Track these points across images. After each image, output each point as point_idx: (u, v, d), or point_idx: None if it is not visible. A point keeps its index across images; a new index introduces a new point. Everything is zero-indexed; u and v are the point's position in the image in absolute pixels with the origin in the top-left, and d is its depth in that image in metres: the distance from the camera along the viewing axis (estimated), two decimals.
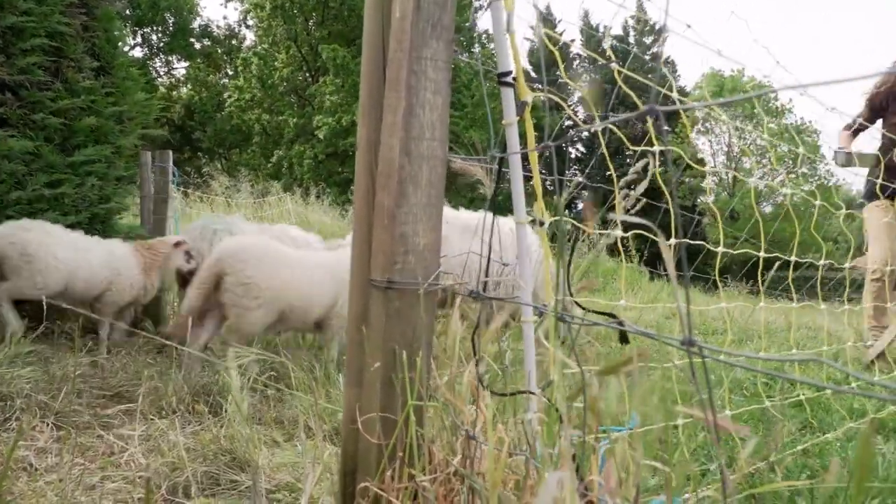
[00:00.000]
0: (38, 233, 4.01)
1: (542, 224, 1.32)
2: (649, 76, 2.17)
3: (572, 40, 38.81)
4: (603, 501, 0.99)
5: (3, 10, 4.31)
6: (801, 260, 2.83)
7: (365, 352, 1.49)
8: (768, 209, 29.83)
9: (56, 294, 4.02)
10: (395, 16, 1.39)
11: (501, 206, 1.57)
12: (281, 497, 2.21)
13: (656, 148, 1.62)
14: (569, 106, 1.95)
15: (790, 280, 2.98)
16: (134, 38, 29.73)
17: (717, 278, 2.57)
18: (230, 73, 32.11)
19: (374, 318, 1.47)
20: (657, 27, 36.81)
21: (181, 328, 3.64)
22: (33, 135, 4.49)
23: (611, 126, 1.34)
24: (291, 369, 3.34)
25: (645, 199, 1.63)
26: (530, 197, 1.41)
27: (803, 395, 3.17)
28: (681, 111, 0.99)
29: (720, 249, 2.23)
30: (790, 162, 26.46)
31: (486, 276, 1.42)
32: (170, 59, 32.19)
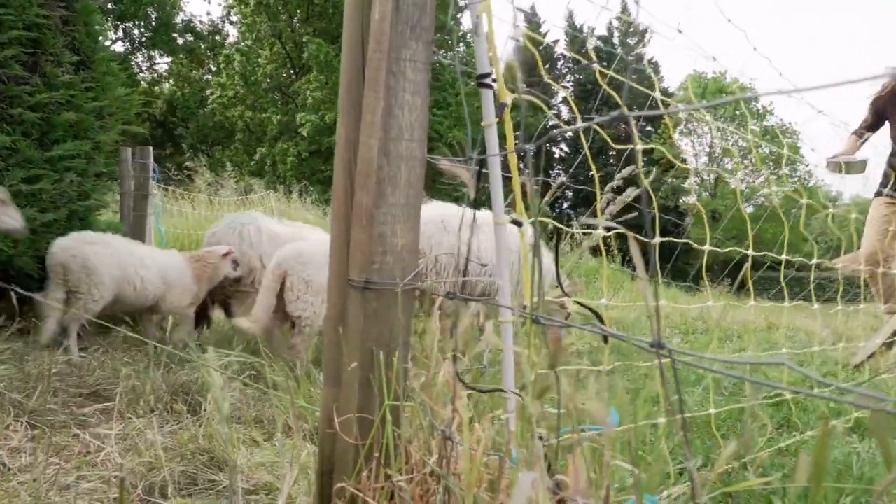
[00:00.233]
0: (99, 245, 4.20)
1: (520, 225, 1.32)
2: (633, 77, 2.18)
3: (556, 41, 38.91)
4: (575, 501, 1.00)
5: None
6: (791, 259, 2.86)
7: (342, 352, 1.49)
8: (750, 209, 30.13)
9: (111, 304, 4.24)
10: (375, 17, 1.39)
11: (485, 206, 1.58)
12: (259, 497, 2.20)
13: (638, 147, 1.62)
14: (551, 107, 1.96)
15: (783, 281, 3.02)
16: (116, 33, 29.39)
17: (704, 275, 2.60)
18: (213, 69, 31.86)
19: (351, 318, 1.46)
20: (641, 28, 37.04)
21: (268, 331, 4.19)
22: (10, 129, 4.42)
23: (595, 126, 1.35)
24: (271, 367, 3.32)
25: (627, 200, 1.64)
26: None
27: (788, 396, 3.20)
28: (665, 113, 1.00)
29: (705, 248, 2.26)
30: (771, 163, 26.74)
31: (465, 275, 1.43)
32: (152, 54, 31.86)
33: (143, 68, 32.14)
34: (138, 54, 31.34)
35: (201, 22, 32.73)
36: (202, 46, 32.37)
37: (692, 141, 36.18)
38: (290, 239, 4.82)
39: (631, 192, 1.62)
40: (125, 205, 6.32)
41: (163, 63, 32.73)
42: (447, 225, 4.33)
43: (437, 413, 1.36)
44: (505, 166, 1.42)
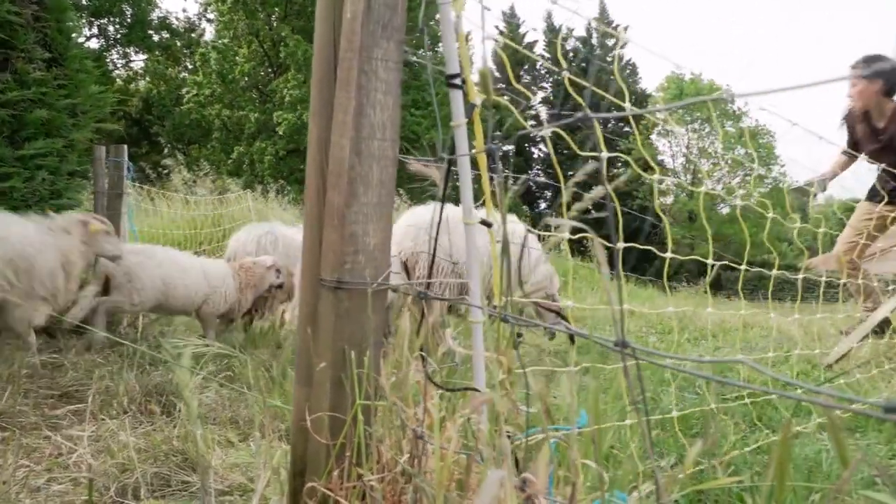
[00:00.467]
0: (142, 255, 4.56)
1: (489, 225, 1.33)
2: (610, 78, 2.20)
3: (535, 41, 39.07)
4: (545, 499, 1.01)
5: None
6: (768, 260, 2.90)
7: (315, 351, 1.49)
8: (725, 210, 30.50)
9: (153, 309, 4.69)
10: (346, 16, 1.39)
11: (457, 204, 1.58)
12: (233, 498, 2.19)
13: (604, 154, 1.64)
14: (529, 107, 1.97)
15: (771, 284, 3.06)
16: (90, 29, 28.87)
17: (665, 279, 2.63)
18: (190, 66, 31.50)
19: (323, 317, 1.46)
20: (619, 29, 37.31)
21: None
22: None
23: (558, 130, 1.36)
24: (248, 366, 3.31)
25: (594, 199, 1.65)
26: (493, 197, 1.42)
27: (747, 398, 3.25)
28: (647, 114, 1.01)
29: (667, 255, 2.28)
30: (748, 165, 27.05)
31: (430, 276, 1.43)
32: (127, 51, 31.39)
33: (119, 65, 31.67)
34: (113, 51, 30.86)
35: (177, 19, 32.34)
36: (178, 44, 31.98)
37: (669, 142, 36.49)
38: None
39: (598, 192, 1.63)
40: (99, 204, 6.22)
41: (138, 60, 32.28)
42: (452, 227, 4.35)
43: (408, 412, 1.37)
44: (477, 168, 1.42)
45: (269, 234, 5.94)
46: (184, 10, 38.02)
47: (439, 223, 1.50)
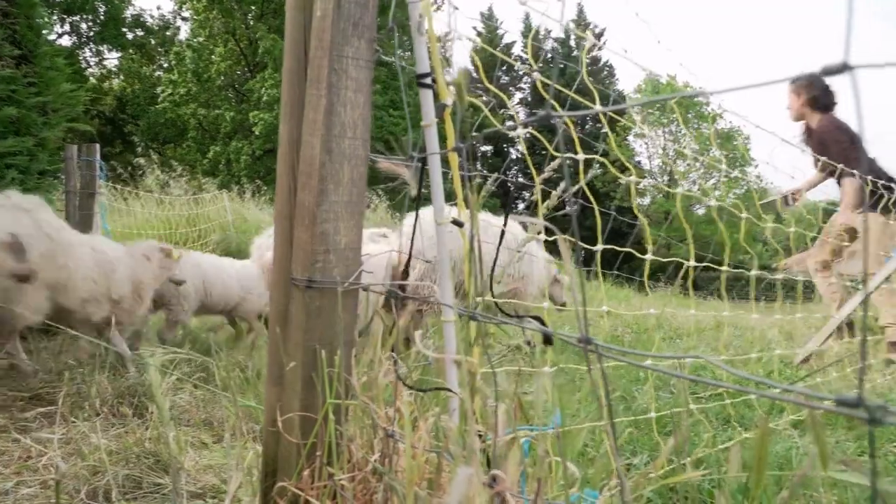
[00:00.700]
0: (187, 265, 4.71)
1: (461, 225, 1.34)
2: (589, 79, 2.22)
3: (513, 42, 39.23)
4: (514, 497, 1.01)
5: None
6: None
7: (285, 351, 1.48)
8: (701, 211, 30.77)
9: (197, 311, 4.98)
10: (317, 14, 1.38)
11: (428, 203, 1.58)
12: (205, 500, 2.17)
13: (580, 157, 1.66)
14: (502, 107, 1.97)
15: (751, 284, 3.10)
16: (62, 26, 28.40)
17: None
18: (165, 65, 31.14)
19: (294, 316, 1.46)
20: (593, 32, 37.52)
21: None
22: None
23: (531, 131, 1.37)
24: (220, 368, 3.28)
25: (563, 197, 1.66)
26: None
27: (729, 400, 3.29)
28: (628, 111, 1.02)
29: (647, 256, 2.31)
30: (718, 169, 27.38)
31: (406, 275, 1.44)
32: (101, 49, 30.92)
33: (92, 64, 31.21)
34: (86, 49, 30.39)
35: (151, 17, 31.95)
36: (152, 42, 31.59)
37: (646, 143, 36.83)
38: None
39: (563, 188, 1.64)
40: (71, 203, 6.14)
41: (112, 58, 31.84)
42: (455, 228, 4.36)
43: (379, 412, 1.36)
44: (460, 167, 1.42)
45: None
46: (158, 8, 37.55)
47: (415, 224, 1.50)
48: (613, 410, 3.17)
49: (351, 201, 1.45)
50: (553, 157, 1.36)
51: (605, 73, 38.54)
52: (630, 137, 34.67)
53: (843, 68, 0.56)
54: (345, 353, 1.43)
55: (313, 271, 1.42)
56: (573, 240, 0.86)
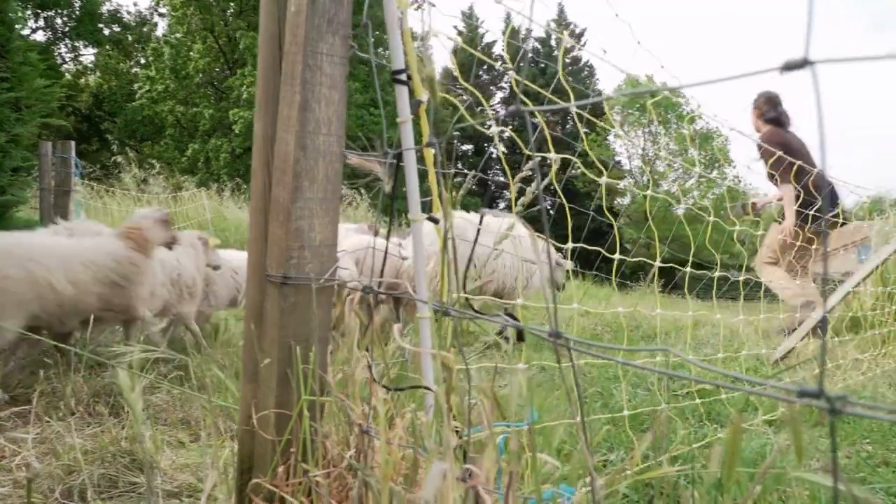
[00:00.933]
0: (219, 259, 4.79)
1: (437, 222, 1.34)
2: (568, 79, 2.23)
3: (494, 41, 39.28)
4: (487, 491, 1.02)
5: None
6: (745, 262, 2.97)
7: (260, 347, 1.48)
8: (681, 211, 31.03)
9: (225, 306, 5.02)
10: (291, 10, 1.38)
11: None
12: (181, 499, 2.16)
13: (555, 156, 1.67)
14: (485, 107, 1.98)
15: (738, 283, 3.15)
16: (36, 21, 27.91)
17: (614, 277, 2.68)
18: (142, 61, 30.77)
19: (269, 313, 1.45)
20: (577, 31, 37.71)
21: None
22: None
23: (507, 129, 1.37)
24: (197, 367, 3.25)
25: (536, 194, 1.67)
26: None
27: (704, 399, 3.32)
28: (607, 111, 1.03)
29: (615, 256, 2.33)
30: (697, 169, 27.64)
31: (382, 275, 1.44)
32: (76, 44, 30.44)
33: (67, 59, 30.72)
34: (61, 45, 29.91)
35: (128, 13, 31.55)
36: (129, 38, 31.18)
37: (625, 145, 37.08)
38: None
39: (536, 185, 1.65)
40: (45, 201, 6.05)
41: (88, 54, 31.37)
42: (462, 232, 4.34)
43: (355, 409, 1.36)
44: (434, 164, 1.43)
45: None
46: (135, 4, 37.10)
47: (390, 223, 1.50)
48: (591, 408, 3.20)
49: (326, 198, 1.44)
50: (530, 157, 1.37)
51: (586, 73, 38.74)
52: (610, 137, 34.89)
53: (804, 63, 0.57)
54: (320, 349, 1.43)
55: (288, 267, 1.41)
56: (544, 237, 0.87)
